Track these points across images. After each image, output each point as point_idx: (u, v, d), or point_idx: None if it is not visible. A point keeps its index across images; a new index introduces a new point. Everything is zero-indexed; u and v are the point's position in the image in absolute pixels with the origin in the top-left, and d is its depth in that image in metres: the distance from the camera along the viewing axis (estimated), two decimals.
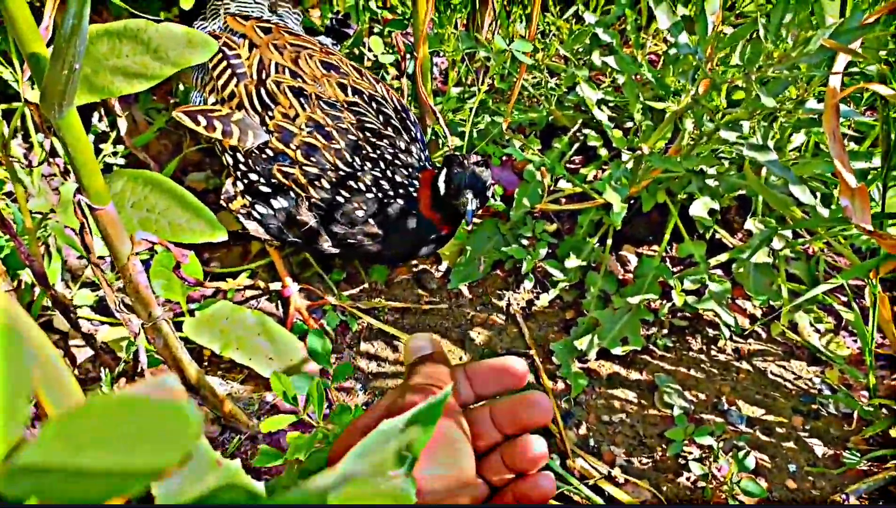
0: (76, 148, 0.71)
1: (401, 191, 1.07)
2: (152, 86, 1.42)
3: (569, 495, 1.00)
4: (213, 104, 1.14)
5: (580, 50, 1.43)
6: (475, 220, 1.30)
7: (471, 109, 1.34)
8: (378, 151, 1.08)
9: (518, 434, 0.50)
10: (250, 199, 1.10)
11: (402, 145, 1.10)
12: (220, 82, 1.13)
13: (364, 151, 1.07)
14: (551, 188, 1.31)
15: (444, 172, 1.04)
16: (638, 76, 1.39)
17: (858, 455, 1.04)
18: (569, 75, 1.31)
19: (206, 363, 1.17)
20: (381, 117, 1.12)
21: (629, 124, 1.40)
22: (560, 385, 1.13)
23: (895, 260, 0.90)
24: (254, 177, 1.09)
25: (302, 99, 1.09)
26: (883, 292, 1.01)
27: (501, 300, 1.25)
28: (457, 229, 1.12)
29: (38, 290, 1.13)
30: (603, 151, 1.34)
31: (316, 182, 1.06)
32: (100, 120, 1.41)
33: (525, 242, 1.26)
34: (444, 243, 1.14)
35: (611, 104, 1.39)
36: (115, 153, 1.37)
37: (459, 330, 1.21)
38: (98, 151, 1.38)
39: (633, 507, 1.00)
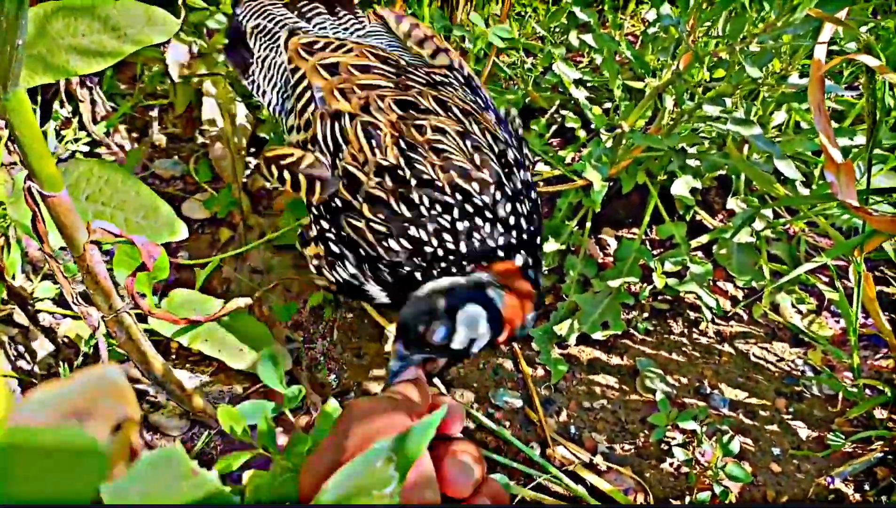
0: (24, 132, 0.66)
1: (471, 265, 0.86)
2: (115, 68, 1.37)
3: (546, 485, 0.98)
4: (290, 128, 1.00)
5: (557, 30, 1.40)
6: None
7: None
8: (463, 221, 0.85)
9: None
10: (323, 249, 0.93)
11: (490, 215, 0.87)
12: (300, 104, 0.97)
13: (434, 196, 0.86)
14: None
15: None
16: (617, 56, 1.36)
17: (843, 437, 1.02)
18: (545, 55, 1.28)
19: (173, 356, 1.13)
20: (476, 158, 0.88)
21: (608, 105, 1.37)
22: (540, 372, 1.11)
23: (880, 237, 0.88)
24: (325, 225, 0.92)
25: (374, 139, 0.89)
26: (867, 271, 0.99)
27: None
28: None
29: None
30: (581, 133, 1.31)
31: (384, 241, 0.87)
32: (62, 106, 1.36)
33: None
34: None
35: (588, 84, 1.36)
36: (76, 140, 1.32)
37: None
38: (60, 138, 1.33)
39: (615, 500, 0.98)
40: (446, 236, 0.85)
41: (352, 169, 0.89)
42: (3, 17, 0.55)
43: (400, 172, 0.87)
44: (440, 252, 0.86)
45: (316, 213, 0.93)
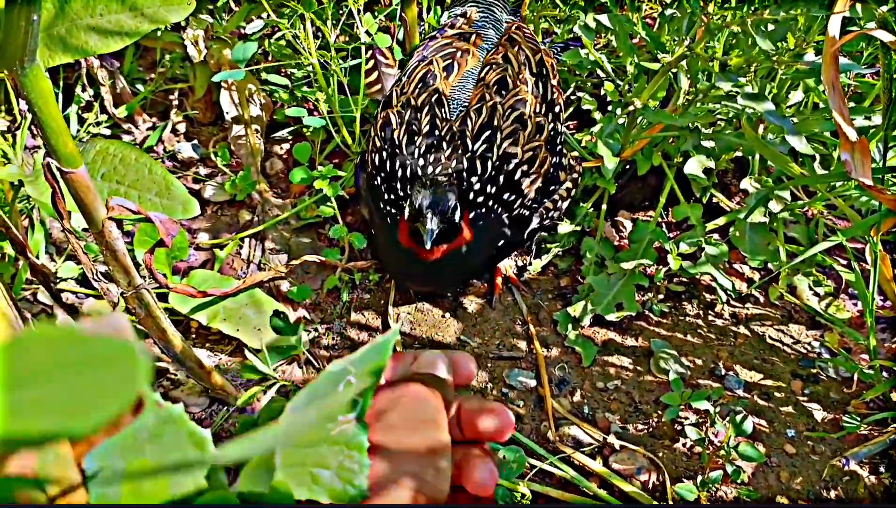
0: (42, 108, 0.68)
1: (393, 211, 1.05)
2: (136, 53, 1.39)
3: (552, 469, 0.98)
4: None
5: (574, 12, 1.39)
6: None
7: None
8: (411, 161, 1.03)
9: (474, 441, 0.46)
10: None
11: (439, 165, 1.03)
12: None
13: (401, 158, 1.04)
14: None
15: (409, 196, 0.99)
16: (636, 39, 1.36)
17: (858, 418, 1.01)
18: (564, 29, 1.28)
19: (193, 335, 1.15)
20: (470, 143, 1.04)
21: (626, 87, 1.36)
22: (553, 353, 1.11)
23: (895, 217, 0.88)
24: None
25: (423, 84, 1.08)
26: (884, 252, 0.98)
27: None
28: (447, 250, 1.02)
29: (22, 263, 1.11)
30: (597, 115, 1.31)
31: (374, 154, 1.07)
32: (84, 90, 1.38)
33: None
34: (455, 272, 1.09)
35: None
36: (98, 123, 1.34)
37: (452, 298, 1.18)
38: (82, 122, 1.36)
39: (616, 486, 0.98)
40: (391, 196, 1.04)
41: (394, 92, 1.10)
42: None
43: (418, 113, 1.05)
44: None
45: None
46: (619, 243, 1.25)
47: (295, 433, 0.31)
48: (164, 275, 1.08)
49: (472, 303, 1.18)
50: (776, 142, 1.02)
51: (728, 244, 1.13)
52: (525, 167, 1.03)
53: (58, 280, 1.14)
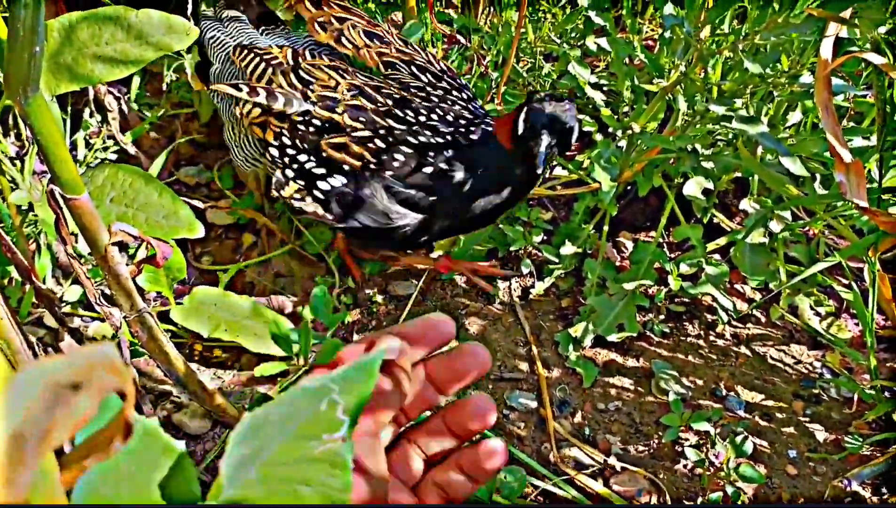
0: (45, 136, 0.69)
1: (472, 130, 1.01)
2: (143, 79, 1.41)
3: (553, 491, 0.98)
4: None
5: (574, 35, 1.41)
6: None
7: None
8: (431, 100, 1.04)
9: (459, 395, 0.47)
10: (302, 183, 1.05)
11: (454, 95, 1.07)
12: (256, 74, 1.09)
13: (415, 103, 1.03)
14: (547, 175, 1.29)
15: (524, 109, 0.95)
16: (635, 61, 1.37)
17: (860, 439, 1.01)
18: (562, 56, 1.29)
19: (196, 359, 1.16)
20: (425, 77, 1.08)
21: (625, 109, 1.37)
22: (555, 374, 1.12)
23: (893, 238, 0.88)
24: (303, 158, 1.04)
25: (341, 71, 1.06)
26: (884, 272, 0.98)
27: (497, 289, 1.23)
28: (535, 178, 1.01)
29: (28, 287, 1.12)
30: (598, 137, 1.32)
31: (370, 144, 1.00)
32: (91, 116, 1.40)
33: (520, 227, 1.24)
34: (518, 198, 1.05)
35: (605, 88, 1.37)
36: (105, 148, 1.36)
37: (454, 320, 1.19)
38: (90, 147, 1.38)
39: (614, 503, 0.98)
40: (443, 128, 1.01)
41: (326, 93, 1.02)
42: (21, 26, 0.58)
43: (370, 91, 1.03)
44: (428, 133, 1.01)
45: (292, 152, 1.04)
46: (620, 263, 1.26)
47: (270, 449, 0.32)
48: (160, 294, 1.09)
49: (474, 324, 1.18)
50: (774, 163, 1.03)
51: (729, 264, 1.14)
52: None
53: (63, 304, 1.15)
